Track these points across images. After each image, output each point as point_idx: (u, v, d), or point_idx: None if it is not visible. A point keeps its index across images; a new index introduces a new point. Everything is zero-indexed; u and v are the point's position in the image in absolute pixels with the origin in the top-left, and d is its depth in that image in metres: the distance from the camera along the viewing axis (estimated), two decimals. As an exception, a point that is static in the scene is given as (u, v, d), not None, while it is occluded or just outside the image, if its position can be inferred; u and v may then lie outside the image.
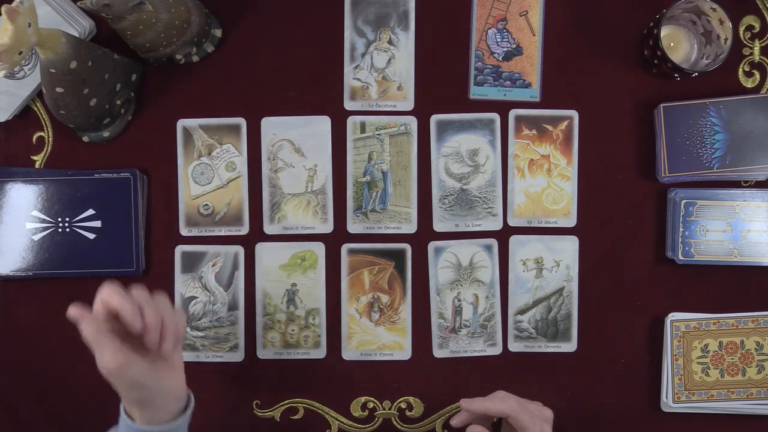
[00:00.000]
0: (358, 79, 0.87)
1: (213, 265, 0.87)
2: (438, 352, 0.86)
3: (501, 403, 0.72)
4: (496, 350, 0.86)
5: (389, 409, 0.87)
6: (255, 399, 0.87)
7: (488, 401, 0.73)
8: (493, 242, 0.86)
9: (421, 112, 0.87)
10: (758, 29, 0.87)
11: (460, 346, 0.86)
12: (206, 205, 0.87)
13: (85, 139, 0.87)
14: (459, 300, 0.86)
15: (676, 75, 0.85)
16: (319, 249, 0.87)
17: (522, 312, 0.86)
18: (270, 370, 0.87)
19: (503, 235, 0.86)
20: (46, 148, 0.88)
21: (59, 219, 0.86)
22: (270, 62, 0.88)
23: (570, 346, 0.86)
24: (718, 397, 0.84)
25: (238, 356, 0.87)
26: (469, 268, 0.86)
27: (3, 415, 0.87)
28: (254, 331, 0.87)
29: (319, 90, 0.87)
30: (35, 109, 0.88)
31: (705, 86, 0.86)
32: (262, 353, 0.87)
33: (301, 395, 0.87)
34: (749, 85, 0.87)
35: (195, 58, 0.87)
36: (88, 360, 0.87)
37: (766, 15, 0.87)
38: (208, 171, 0.87)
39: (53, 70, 0.73)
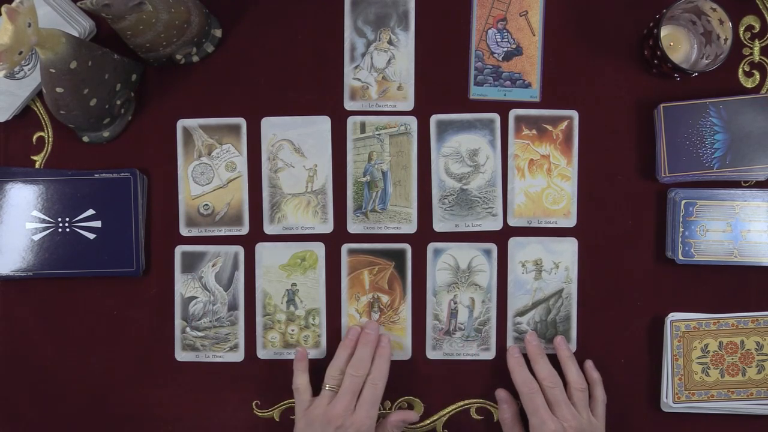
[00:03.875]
0: (358, 79, 0.87)
1: (213, 265, 0.87)
2: (431, 354, 0.86)
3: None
4: (489, 355, 0.86)
5: (389, 409, 0.87)
6: (255, 399, 0.87)
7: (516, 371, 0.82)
8: (493, 247, 0.86)
9: (421, 112, 0.87)
10: (758, 29, 0.87)
11: (454, 348, 0.86)
12: (206, 205, 0.87)
13: (85, 139, 0.87)
14: (455, 303, 0.86)
15: (676, 75, 0.85)
16: (319, 249, 0.87)
17: (521, 314, 0.86)
18: (270, 370, 0.87)
19: (503, 236, 0.86)
20: (46, 148, 0.88)
21: (59, 219, 0.86)
22: (270, 62, 0.88)
23: (570, 348, 0.86)
24: (718, 397, 0.84)
25: (238, 356, 0.87)
26: (467, 271, 0.86)
27: (3, 415, 0.87)
28: (254, 331, 0.87)
29: (319, 90, 0.87)
30: (35, 109, 0.88)
31: (705, 86, 0.86)
32: (262, 353, 0.87)
33: (301, 395, 0.87)
34: (749, 85, 0.87)
35: (195, 58, 0.87)
36: (88, 360, 0.87)
37: (766, 15, 0.87)
38: (208, 171, 0.87)
39: (53, 70, 0.73)
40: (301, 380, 0.82)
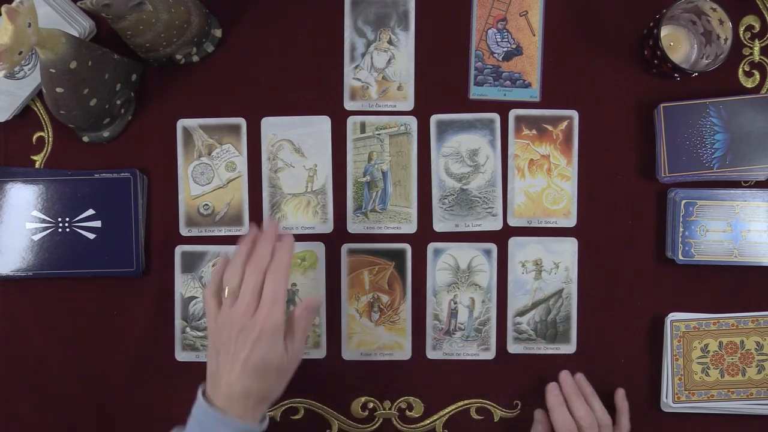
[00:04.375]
0: (358, 79, 0.87)
1: (213, 265, 0.87)
2: (431, 354, 0.87)
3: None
4: (489, 355, 0.86)
5: (389, 409, 0.87)
6: (255, 399, 0.87)
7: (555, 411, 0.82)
8: (493, 247, 0.86)
9: (421, 112, 0.87)
10: (758, 29, 0.87)
11: (454, 348, 0.86)
12: (206, 205, 0.87)
13: (85, 139, 0.87)
14: (455, 303, 0.86)
15: (676, 75, 0.85)
16: (319, 249, 0.87)
17: (521, 314, 0.86)
18: (270, 370, 0.87)
19: (503, 236, 0.86)
20: (46, 148, 0.88)
21: (59, 219, 0.86)
22: (270, 62, 0.88)
23: (569, 348, 0.86)
24: (718, 397, 0.84)
25: (238, 356, 0.87)
26: (467, 271, 0.86)
27: (3, 415, 0.87)
28: (254, 331, 0.87)
29: (319, 90, 0.87)
30: (35, 109, 0.88)
31: (705, 86, 0.86)
32: (262, 353, 0.87)
33: (301, 395, 0.87)
34: (749, 85, 0.87)
35: (195, 58, 0.87)
36: (88, 360, 0.87)
37: (766, 15, 0.87)
38: (208, 171, 0.87)
39: (53, 70, 0.73)
40: (206, 290, 0.72)
